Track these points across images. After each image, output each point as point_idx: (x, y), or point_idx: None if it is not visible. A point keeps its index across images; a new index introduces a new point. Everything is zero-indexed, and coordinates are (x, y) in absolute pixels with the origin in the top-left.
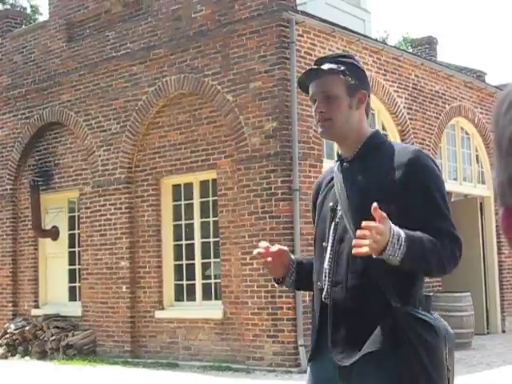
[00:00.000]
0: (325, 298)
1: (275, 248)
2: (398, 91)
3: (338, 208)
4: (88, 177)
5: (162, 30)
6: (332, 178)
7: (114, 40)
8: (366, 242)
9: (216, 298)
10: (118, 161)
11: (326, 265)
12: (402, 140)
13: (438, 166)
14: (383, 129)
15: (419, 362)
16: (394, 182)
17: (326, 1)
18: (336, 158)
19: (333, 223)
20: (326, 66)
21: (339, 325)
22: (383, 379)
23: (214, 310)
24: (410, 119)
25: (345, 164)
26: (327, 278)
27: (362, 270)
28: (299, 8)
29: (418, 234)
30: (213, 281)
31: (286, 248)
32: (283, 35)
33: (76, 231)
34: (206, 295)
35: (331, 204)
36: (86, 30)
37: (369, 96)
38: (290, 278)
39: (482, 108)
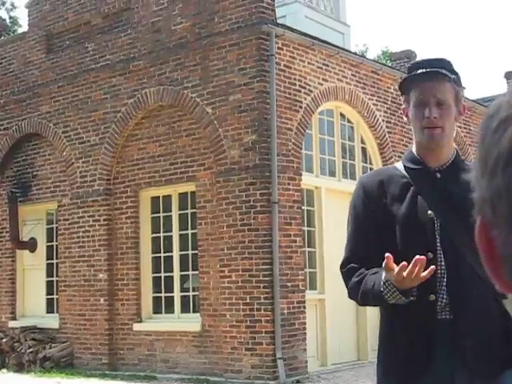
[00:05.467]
0: (442, 313)
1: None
2: (376, 104)
3: (435, 218)
4: (66, 188)
5: (142, 42)
6: (407, 184)
7: (93, 52)
8: None
9: (194, 311)
10: (97, 172)
11: (439, 277)
12: (381, 153)
13: None
14: (362, 142)
15: None
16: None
17: (306, 14)
18: (410, 164)
19: (436, 234)
20: (442, 71)
21: (466, 340)
22: None
23: (192, 323)
24: (389, 132)
25: (436, 174)
26: (445, 291)
27: (483, 281)
28: (279, 21)
29: None
30: (191, 293)
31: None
32: (263, 48)
33: (54, 243)
34: (185, 308)
35: (430, 213)
36: (65, 41)
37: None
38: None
39: (460, 121)
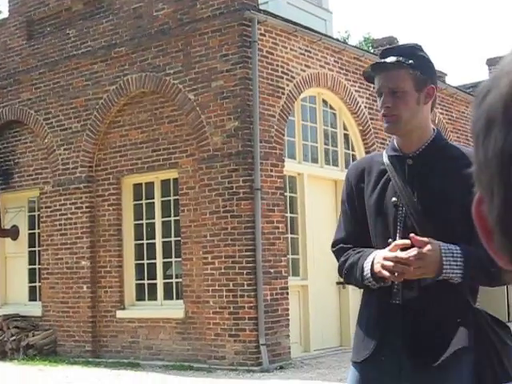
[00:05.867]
0: (394, 298)
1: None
2: (359, 91)
3: (401, 205)
4: (48, 176)
5: (124, 28)
6: (384, 171)
7: (74, 38)
8: (410, 269)
9: (177, 298)
10: (79, 160)
11: None
12: (363, 140)
13: None
14: (344, 128)
15: (500, 365)
16: (460, 186)
17: (288, 0)
18: (391, 152)
19: (398, 220)
20: (393, 59)
21: (418, 326)
22: (463, 378)
23: (175, 310)
24: (371, 119)
25: (408, 160)
26: None
27: None
28: (261, 7)
29: (471, 248)
30: (174, 280)
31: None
32: (245, 34)
33: (36, 230)
34: (168, 295)
35: (394, 199)
36: (46, 27)
37: (436, 90)
38: None
39: (442, 108)
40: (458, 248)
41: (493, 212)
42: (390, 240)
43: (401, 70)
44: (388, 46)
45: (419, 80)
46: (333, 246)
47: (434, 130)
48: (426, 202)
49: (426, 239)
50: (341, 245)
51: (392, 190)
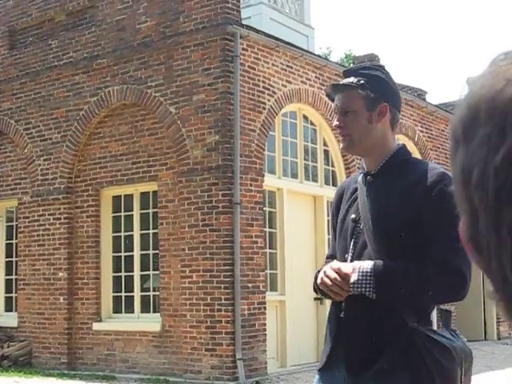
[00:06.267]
0: (341, 312)
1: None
2: None
3: (360, 221)
4: (27, 186)
5: (106, 40)
6: (356, 189)
7: (56, 49)
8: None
9: (154, 311)
10: (58, 170)
11: None
12: (343, 156)
13: None
14: (324, 144)
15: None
16: (413, 203)
17: (271, 16)
18: (362, 170)
19: (353, 236)
20: (346, 80)
21: (354, 339)
22: None
23: (152, 323)
24: None
25: (368, 177)
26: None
27: None
28: (244, 22)
29: (394, 266)
30: (151, 293)
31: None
32: (227, 49)
33: (14, 241)
34: (145, 307)
35: (353, 216)
36: (28, 37)
37: (396, 108)
38: None
39: (422, 126)
40: (370, 268)
41: (465, 229)
42: (347, 255)
43: (351, 90)
44: (347, 68)
45: (370, 99)
46: (325, 258)
47: (398, 145)
48: (379, 218)
49: (333, 272)
50: (328, 259)
51: (356, 208)
